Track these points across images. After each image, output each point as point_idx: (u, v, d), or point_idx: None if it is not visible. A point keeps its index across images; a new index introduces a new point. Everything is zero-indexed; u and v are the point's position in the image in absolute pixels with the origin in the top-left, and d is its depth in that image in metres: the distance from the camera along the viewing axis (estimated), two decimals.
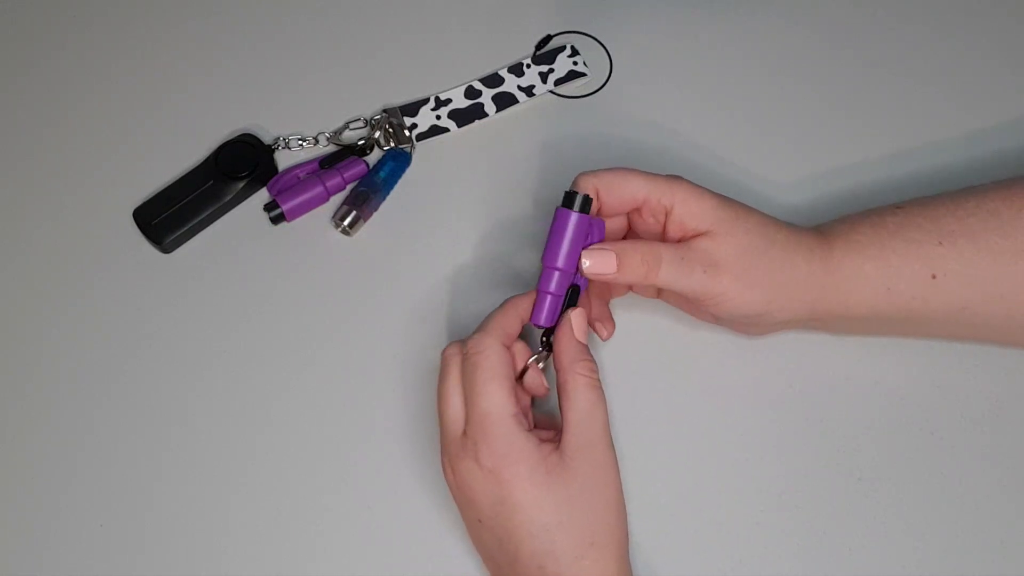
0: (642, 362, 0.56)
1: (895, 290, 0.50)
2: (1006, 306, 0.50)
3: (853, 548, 0.52)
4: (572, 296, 0.49)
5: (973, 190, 0.52)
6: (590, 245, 0.49)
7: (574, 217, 0.48)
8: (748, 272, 0.49)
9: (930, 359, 0.56)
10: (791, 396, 0.56)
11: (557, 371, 0.48)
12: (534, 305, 0.50)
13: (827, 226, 0.52)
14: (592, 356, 0.48)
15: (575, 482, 0.45)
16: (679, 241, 0.50)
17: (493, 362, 0.46)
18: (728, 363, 0.56)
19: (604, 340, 0.53)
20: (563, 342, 0.48)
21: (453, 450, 0.47)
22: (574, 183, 0.50)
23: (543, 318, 0.49)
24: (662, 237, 0.51)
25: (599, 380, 0.47)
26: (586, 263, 0.48)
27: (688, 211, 0.49)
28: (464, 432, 0.47)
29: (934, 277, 0.49)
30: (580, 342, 0.48)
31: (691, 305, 0.54)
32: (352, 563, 0.53)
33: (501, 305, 0.50)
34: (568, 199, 0.48)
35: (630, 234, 0.53)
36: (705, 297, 0.49)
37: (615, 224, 0.52)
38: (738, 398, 0.56)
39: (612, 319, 0.54)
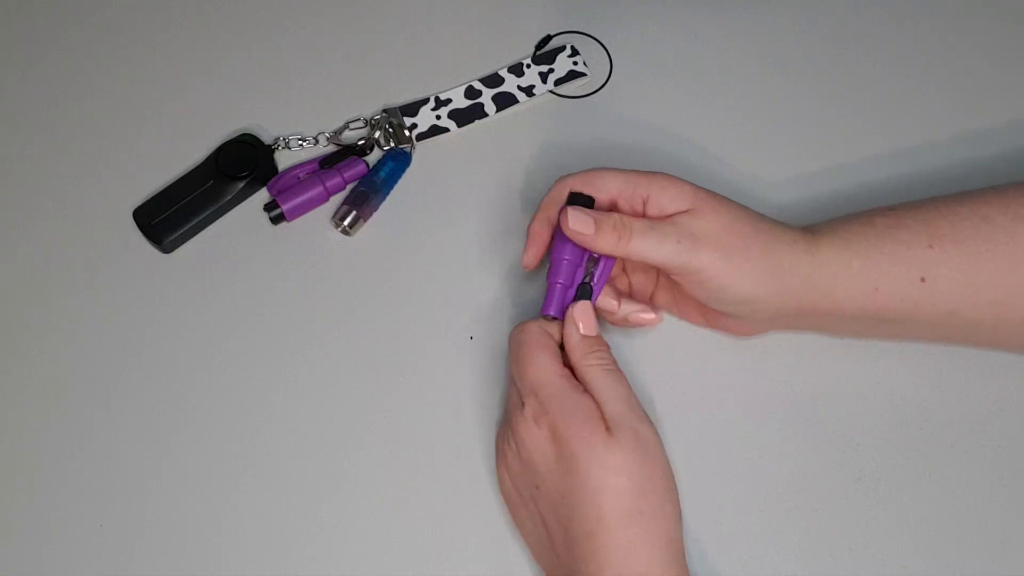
0: (643, 363, 0.56)
1: (883, 290, 0.49)
2: (996, 312, 0.50)
3: (853, 548, 0.52)
4: (581, 292, 0.51)
5: (969, 194, 0.51)
6: (594, 261, 0.51)
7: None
8: (731, 249, 0.48)
9: (930, 359, 0.56)
10: (791, 397, 0.56)
11: (573, 368, 0.49)
12: (545, 298, 0.51)
13: (815, 225, 0.52)
14: (603, 344, 0.49)
15: (620, 449, 0.45)
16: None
17: (535, 336, 0.49)
18: (728, 364, 0.56)
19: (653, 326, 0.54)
20: (569, 340, 0.50)
21: (513, 423, 0.48)
22: (553, 188, 0.52)
23: (552, 308, 0.51)
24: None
25: (613, 362, 0.49)
26: (569, 218, 0.49)
27: (666, 195, 0.49)
28: (521, 405, 0.48)
29: (923, 280, 0.49)
30: (586, 336, 0.49)
31: (689, 305, 0.54)
32: (351, 564, 0.53)
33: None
34: (571, 198, 0.51)
35: None
36: (685, 271, 0.49)
37: None
38: (738, 399, 0.56)
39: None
